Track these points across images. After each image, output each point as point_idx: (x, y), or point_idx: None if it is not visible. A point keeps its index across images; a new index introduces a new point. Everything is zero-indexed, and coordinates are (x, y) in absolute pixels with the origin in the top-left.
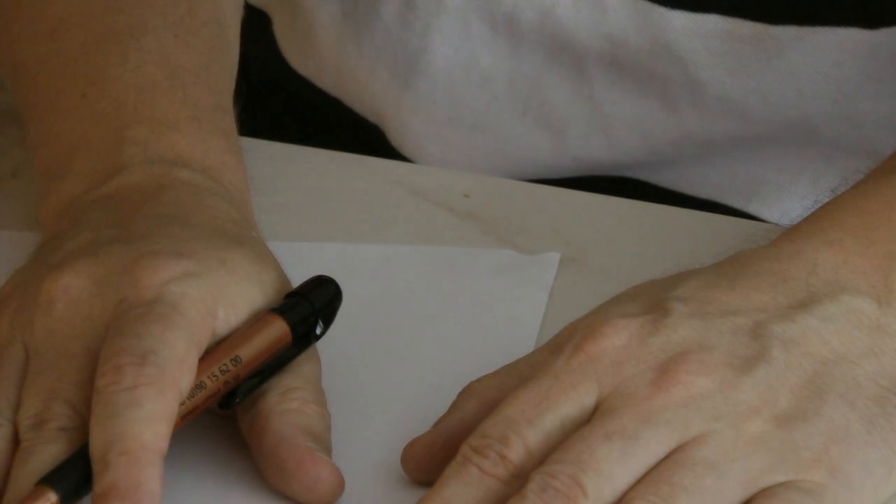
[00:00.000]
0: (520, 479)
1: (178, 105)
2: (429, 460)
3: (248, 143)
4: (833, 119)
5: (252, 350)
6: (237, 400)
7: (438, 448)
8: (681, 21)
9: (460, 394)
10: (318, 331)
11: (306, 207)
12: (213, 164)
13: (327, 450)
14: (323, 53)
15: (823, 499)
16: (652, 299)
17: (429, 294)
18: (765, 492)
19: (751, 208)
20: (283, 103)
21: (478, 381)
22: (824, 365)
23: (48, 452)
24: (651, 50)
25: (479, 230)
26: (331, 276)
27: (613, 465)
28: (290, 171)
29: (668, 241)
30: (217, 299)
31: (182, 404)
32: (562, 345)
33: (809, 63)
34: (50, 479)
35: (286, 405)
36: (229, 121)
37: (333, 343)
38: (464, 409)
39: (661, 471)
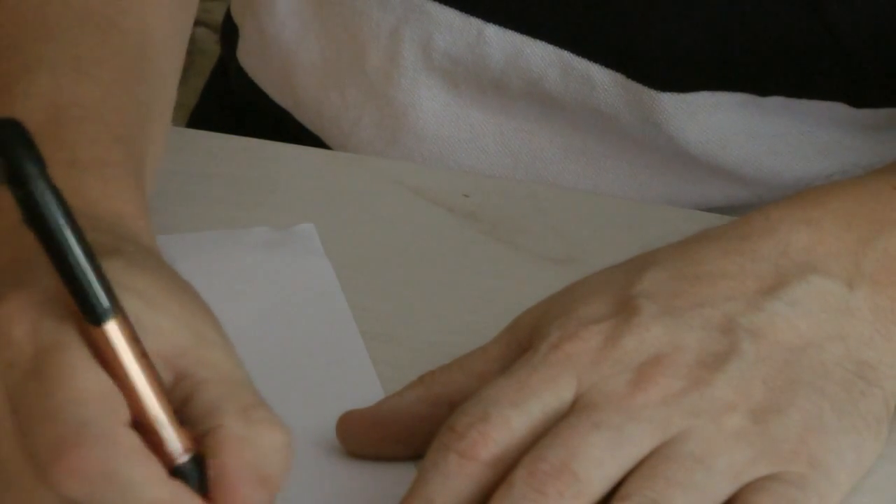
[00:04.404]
0: (503, 464)
1: (54, 149)
2: (358, 435)
3: (248, 142)
4: (822, 178)
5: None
6: None
7: (367, 426)
8: (670, 102)
9: (411, 382)
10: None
11: (306, 207)
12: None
13: (273, 490)
14: (300, 93)
15: (807, 489)
16: (618, 296)
17: (220, 276)
18: (751, 485)
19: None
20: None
21: (429, 372)
22: (793, 353)
23: None
24: (642, 126)
25: (479, 230)
26: None
27: (604, 452)
28: (291, 170)
29: (668, 241)
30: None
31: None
32: (521, 341)
33: (792, 124)
34: None
35: (246, 431)
36: (122, 149)
37: None
38: (404, 395)
39: (652, 466)
